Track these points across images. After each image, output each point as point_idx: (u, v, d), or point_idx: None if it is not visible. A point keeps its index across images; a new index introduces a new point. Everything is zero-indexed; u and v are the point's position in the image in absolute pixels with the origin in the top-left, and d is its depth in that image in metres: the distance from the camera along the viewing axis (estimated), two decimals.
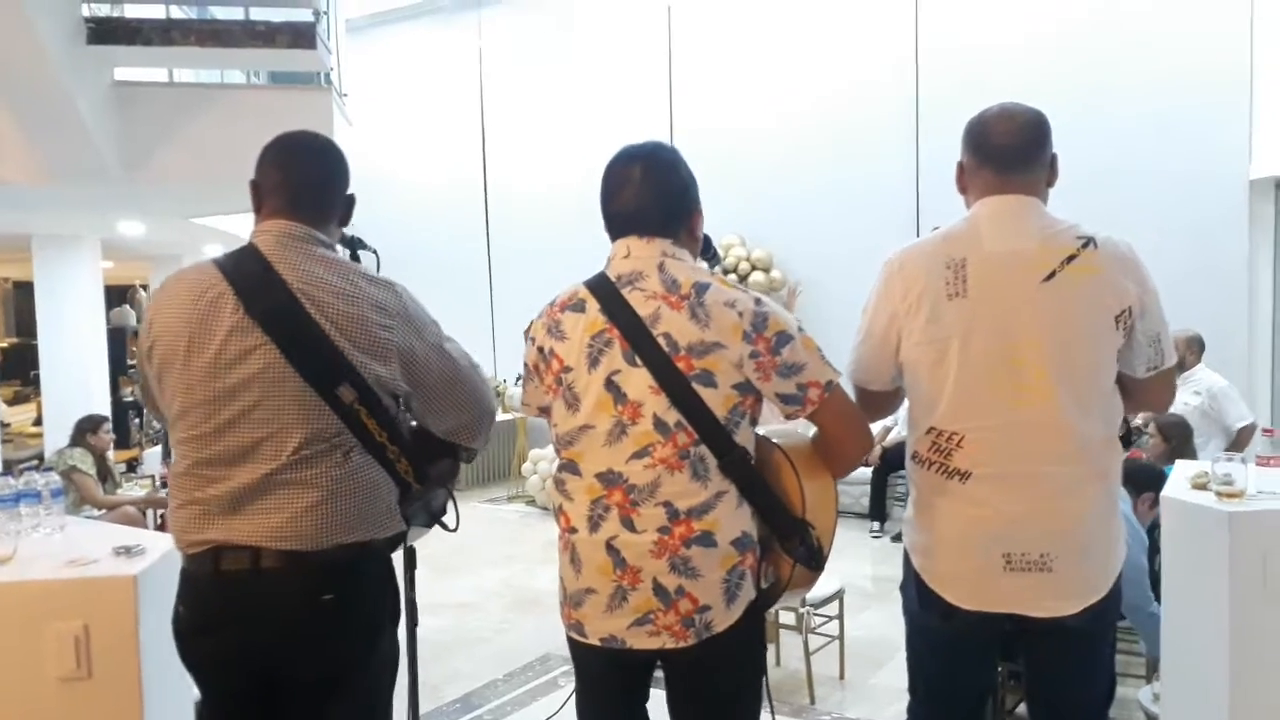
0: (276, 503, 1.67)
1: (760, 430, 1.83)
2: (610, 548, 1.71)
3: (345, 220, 1.88)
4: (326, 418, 1.66)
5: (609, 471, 1.72)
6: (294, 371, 1.64)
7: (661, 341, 1.68)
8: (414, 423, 1.89)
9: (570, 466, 1.79)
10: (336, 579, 1.70)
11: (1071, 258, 1.79)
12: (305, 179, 1.79)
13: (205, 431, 1.69)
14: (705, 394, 1.67)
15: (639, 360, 1.69)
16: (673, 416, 1.68)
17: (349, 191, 1.87)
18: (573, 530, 1.78)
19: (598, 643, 1.76)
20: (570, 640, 1.84)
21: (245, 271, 1.69)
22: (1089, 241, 1.81)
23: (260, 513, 1.67)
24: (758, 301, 1.72)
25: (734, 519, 1.71)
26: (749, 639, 1.78)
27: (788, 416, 1.78)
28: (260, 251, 1.70)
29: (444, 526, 2.01)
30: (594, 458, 1.74)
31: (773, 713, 1.94)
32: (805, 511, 1.75)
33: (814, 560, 1.76)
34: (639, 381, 1.69)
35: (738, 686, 1.80)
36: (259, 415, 1.65)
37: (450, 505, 2.02)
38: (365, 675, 1.80)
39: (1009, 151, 1.86)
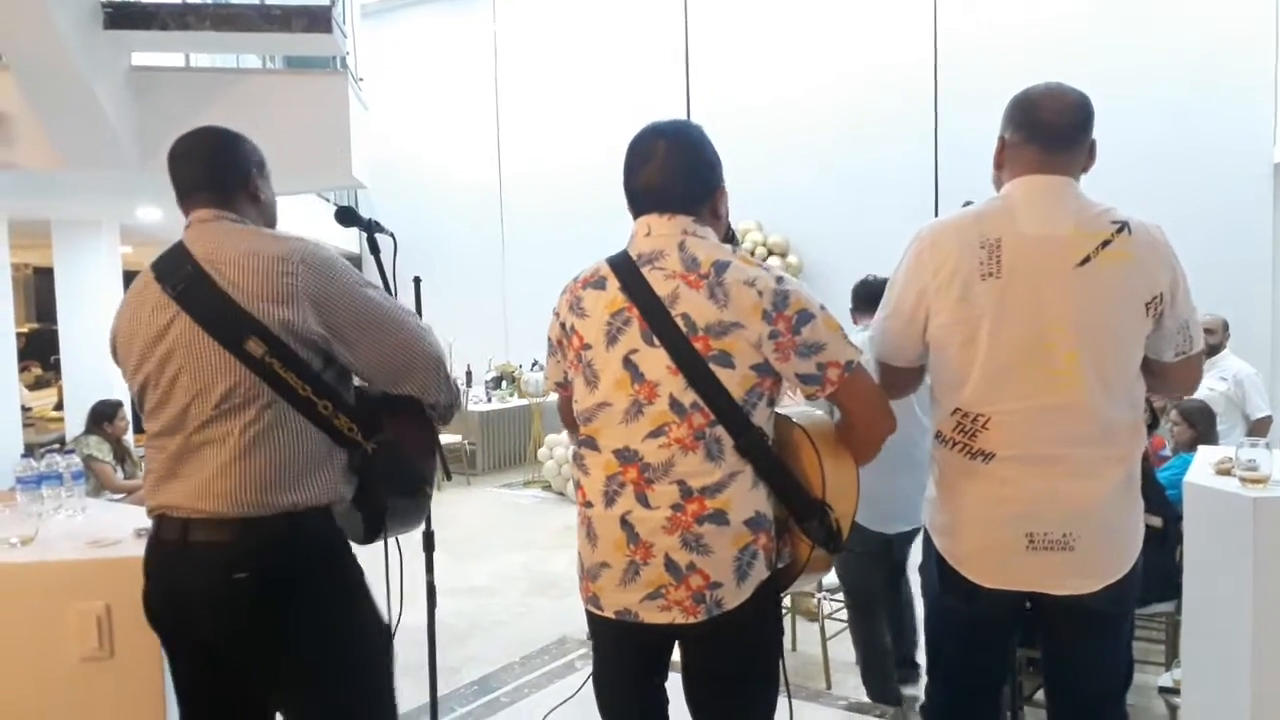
0: (196, 464, 1.71)
1: (785, 412, 1.82)
2: (625, 523, 1.72)
3: (250, 188, 1.90)
4: (239, 373, 1.69)
5: (625, 449, 1.72)
6: (204, 333, 1.71)
7: (680, 322, 1.67)
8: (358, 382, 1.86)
9: (589, 442, 1.79)
10: (261, 553, 1.69)
11: (1106, 243, 1.78)
12: (198, 169, 1.89)
13: (153, 404, 1.78)
14: (722, 375, 1.66)
15: (657, 341, 1.69)
16: (689, 397, 1.67)
17: (247, 168, 1.91)
18: (588, 505, 1.79)
19: (613, 616, 1.77)
20: (588, 613, 1.85)
21: (165, 258, 1.82)
22: (1123, 226, 1.79)
23: (185, 476, 1.72)
24: (779, 280, 1.70)
25: (748, 499, 1.70)
26: (762, 619, 1.78)
27: (808, 397, 1.77)
28: (182, 240, 1.84)
29: (424, 493, 1.94)
30: (611, 435, 1.74)
31: (789, 697, 1.93)
32: (825, 493, 1.74)
33: (832, 542, 1.75)
34: (656, 362, 1.69)
35: (750, 666, 1.79)
36: (184, 381, 1.73)
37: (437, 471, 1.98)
38: (339, 648, 1.75)
39: (1057, 130, 1.83)
